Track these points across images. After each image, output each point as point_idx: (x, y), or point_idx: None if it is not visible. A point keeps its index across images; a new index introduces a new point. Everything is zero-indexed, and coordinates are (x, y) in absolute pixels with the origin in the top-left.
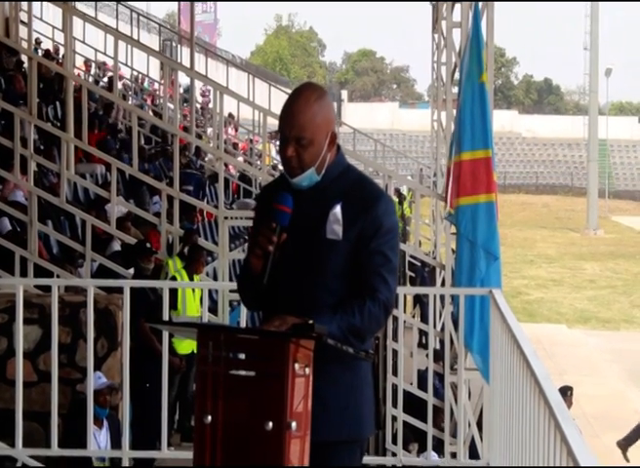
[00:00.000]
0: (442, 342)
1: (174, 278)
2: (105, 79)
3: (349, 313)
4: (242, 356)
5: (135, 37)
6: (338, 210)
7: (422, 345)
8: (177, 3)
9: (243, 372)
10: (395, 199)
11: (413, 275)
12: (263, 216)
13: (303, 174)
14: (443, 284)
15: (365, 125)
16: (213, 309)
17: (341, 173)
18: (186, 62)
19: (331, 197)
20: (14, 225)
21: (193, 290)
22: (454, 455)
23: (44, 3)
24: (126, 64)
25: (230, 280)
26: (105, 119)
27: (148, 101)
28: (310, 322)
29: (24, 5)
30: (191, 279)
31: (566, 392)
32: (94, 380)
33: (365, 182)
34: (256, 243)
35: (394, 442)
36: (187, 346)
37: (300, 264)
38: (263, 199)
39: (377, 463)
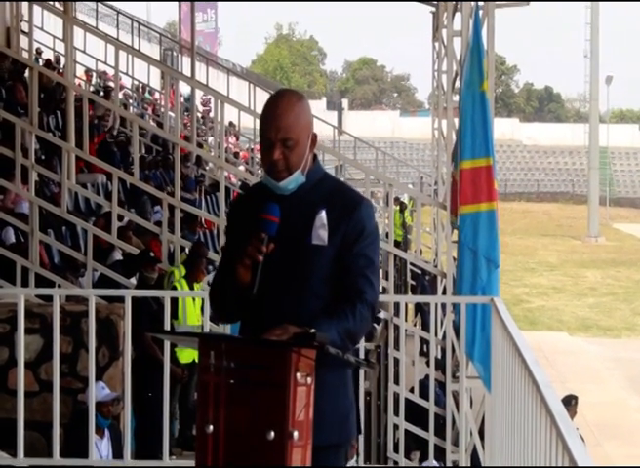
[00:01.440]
0: (443, 351)
1: (174, 287)
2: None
3: (343, 317)
4: (243, 365)
5: (135, 47)
6: (323, 214)
7: (424, 353)
8: (177, 13)
9: (244, 382)
10: (396, 207)
11: (413, 283)
12: (240, 229)
13: (290, 176)
14: (444, 292)
15: (366, 133)
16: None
17: (320, 180)
18: (187, 72)
19: (313, 203)
20: (18, 235)
21: (194, 298)
22: (455, 464)
23: (45, 13)
24: (127, 74)
25: None
26: (102, 126)
27: (149, 111)
28: (312, 331)
29: (26, 15)
30: (192, 288)
31: (570, 401)
32: (98, 391)
33: (345, 188)
34: (245, 253)
35: (396, 450)
36: (189, 355)
37: (286, 271)
38: (237, 212)
39: None
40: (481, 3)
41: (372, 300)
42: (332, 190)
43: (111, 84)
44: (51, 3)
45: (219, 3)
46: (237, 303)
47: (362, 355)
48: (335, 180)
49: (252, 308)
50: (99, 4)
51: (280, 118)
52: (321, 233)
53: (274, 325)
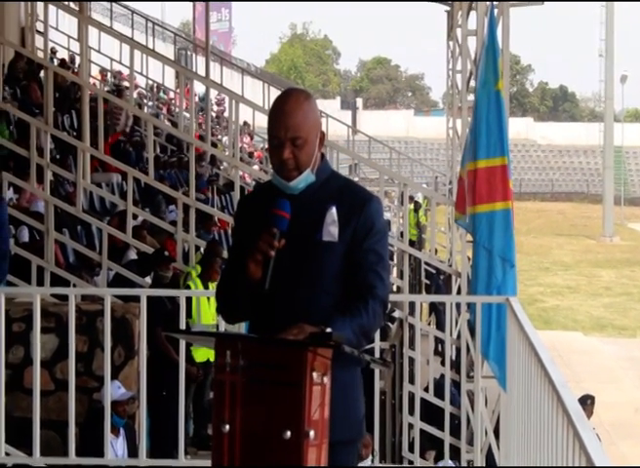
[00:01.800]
0: (458, 350)
1: (188, 286)
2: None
3: (357, 315)
4: (260, 365)
5: (150, 46)
6: (334, 211)
7: (439, 353)
8: (192, 12)
9: (261, 381)
10: (411, 207)
11: (428, 283)
12: (249, 227)
13: (300, 175)
14: (459, 291)
15: (380, 133)
16: None
17: (328, 178)
18: (202, 71)
19: (322, 201)
20: (33, 235)
21: (208, 298)
22: (470, 463)
23: (60, 13)
24: (141, 73)
25: None
26: (111, 125)
27: (164, 110)
28: (328, 330)
29: (41, 14)
30: (206, 287)
31: (586, 401)
32: (114, 390)
33: (354, 186)
34: (257, 249)
35: (411, 450)
36: (203, 354)
37: (297, 268)
38: (245, 210)
39: None
40: (496, 2)
41: (383, 295)
42: (341, 188)
43: (126, 84)
44: (66, 3)
45: (233, 3)
46: (248, 301)
47: (377, 354)
48: (343, 178)
49: (263, 306)
50: (113, 4)
51: (289, 117)
52: (332, 229)
53: (285, 322)
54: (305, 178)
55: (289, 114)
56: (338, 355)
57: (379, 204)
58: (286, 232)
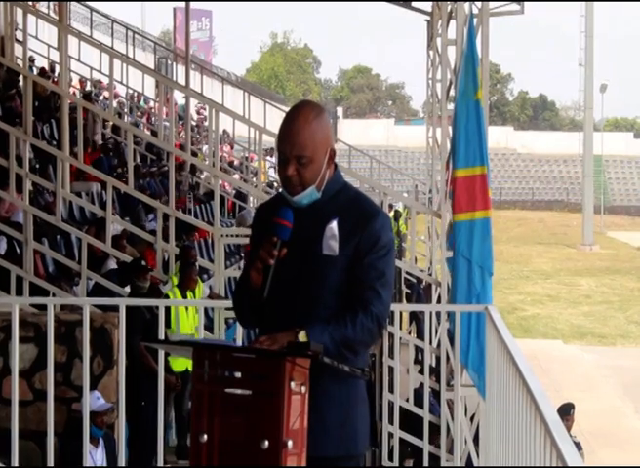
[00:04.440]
0: (438, 359)
1: (167, 296)
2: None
3: (342, 325)
4: (238, 375)
5: (130, 55)
6: (334, 225)
7: (418, 362)
8: (172, 21)
9: (239, 391)
10: (391, 215)
11: (408, 292)
12: (261, 234)
13: (304, 192)
14: (439, 300)
15: (360, 141)
16: (209, 327)
17: (339, 190)
18: (182, 80)
19: (328, 214)
20: (13, 245)
21: (187, 308)
22: None
23: (39, 21)
24: (121, 82)
25: (226, 297)
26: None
27: (144, 119)
28: (306, 340)
29: (20, 24)
30: (184, 296)
31: (569, 410)
32: (93, 401)
33: (362, 199)
34: (257, 257)
35: (391, 458)
36: (182, 364)
37: (297, 280)
38: (260, 218)
39: None
40: (475, 11)
41: (378, 312)
42: (348, 201)
43: (106, 93)
44: (45, 10)
45: (213, 12)
46: (251, 308)
47: None
48: (353, 191)
49: (265, 316)
50: (93, 13)
51: (296, 135)
52: (331, 243)
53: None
54: (309, 195)
55: (296, 132)
56: (317, 365)
57: (385, 219)
58: (288, 242)
